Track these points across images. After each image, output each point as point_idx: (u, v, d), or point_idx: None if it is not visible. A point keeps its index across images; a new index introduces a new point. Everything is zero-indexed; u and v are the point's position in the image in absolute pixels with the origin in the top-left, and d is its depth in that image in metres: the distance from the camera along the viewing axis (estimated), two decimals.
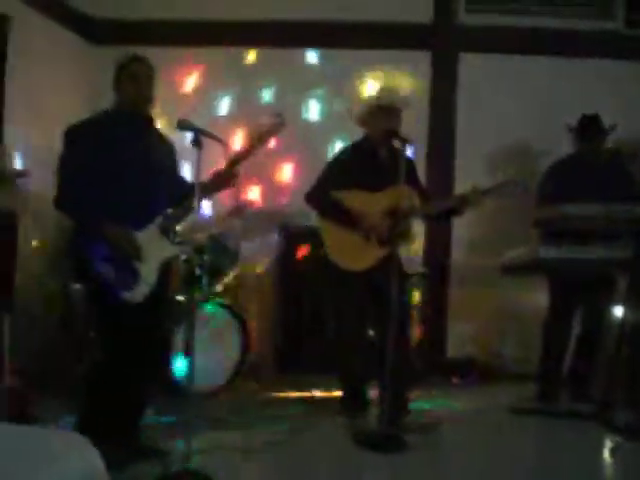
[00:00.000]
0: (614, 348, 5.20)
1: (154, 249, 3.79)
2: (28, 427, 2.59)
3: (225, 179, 4.03)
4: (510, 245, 5.17)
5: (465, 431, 4.86)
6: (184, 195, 3.82)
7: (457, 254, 6.57)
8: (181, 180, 4.11)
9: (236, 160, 4.01)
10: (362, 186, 4.56)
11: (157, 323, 3.93)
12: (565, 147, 5.46)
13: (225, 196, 5.64)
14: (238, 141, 6.39)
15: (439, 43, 6.63)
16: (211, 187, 4.00)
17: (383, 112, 4.58)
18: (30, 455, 2.06)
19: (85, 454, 2.17)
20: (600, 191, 4.99)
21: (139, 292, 3.71)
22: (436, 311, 6.42)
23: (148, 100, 3.91)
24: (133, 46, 5.32)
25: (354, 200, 4.54)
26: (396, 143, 4.51)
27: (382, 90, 4.70)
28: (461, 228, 6.31)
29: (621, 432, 4.48)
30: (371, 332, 4.85)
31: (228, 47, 6.67)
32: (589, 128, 5.32)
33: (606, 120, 5.33)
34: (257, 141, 4.02)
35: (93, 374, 3.89)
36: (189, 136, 3.69)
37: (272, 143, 4.14)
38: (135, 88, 3.86)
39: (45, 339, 5.40)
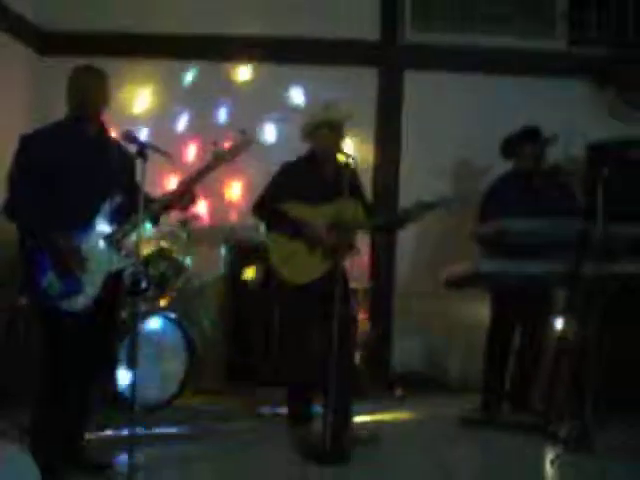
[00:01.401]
0: (554, 360, 5.32)
1: (99, 260, 3.79)
2: None
3: (184, 196, 4.04)
4: (454, 259, 5.25)
5: (409, 443, 4.92)
6: (134, 206, 3.80)
7: (402, 268, 6.65)
8: (135, 191, 4.06)
9: (197, 177, 4.02)
10: (307, 198, 4.61)
11: (101, 334, 3.90)
12: (507, 164, 5.56)
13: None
14: (190, 155, 6.40)
15: (385, 60, 6.72)
16: (170, 202, 4.01)
17: (327, 127, 4.64)
18: None
19: (21, 466, 2.16)
20: (539, 206, 5.11)
21: (80, 301, 3.70)
22: (381, 324, 6.47)
23: (98, 109, 3.92)
24: (84, 57, 5.32)
25: (299, 212, 4.59)
26: (340, 157, 4.57)
27: (325, 105, 4.75)
28: (406, 242, 6.40)
29: (562, 443, 4.57)
30: (315, 343, 4.88)
31: (177, 60, 6.70)
32: (528, 139, 5.42)
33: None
34: (222, 158, 4.04)
35: (38, 386, 3.86)
36: (133, 148, 3.73)
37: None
38: (87, 99, 3.87)
39: None
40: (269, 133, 6.65)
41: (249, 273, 6.05)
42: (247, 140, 4.13)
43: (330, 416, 4.22)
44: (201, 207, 6.49)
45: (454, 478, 4.23)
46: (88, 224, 3.80)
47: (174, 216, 5.87)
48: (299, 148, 4.86)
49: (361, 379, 5.84)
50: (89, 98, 3.89)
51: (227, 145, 4.12)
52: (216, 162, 4.04)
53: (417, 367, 6.54)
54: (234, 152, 4.09)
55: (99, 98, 3.92)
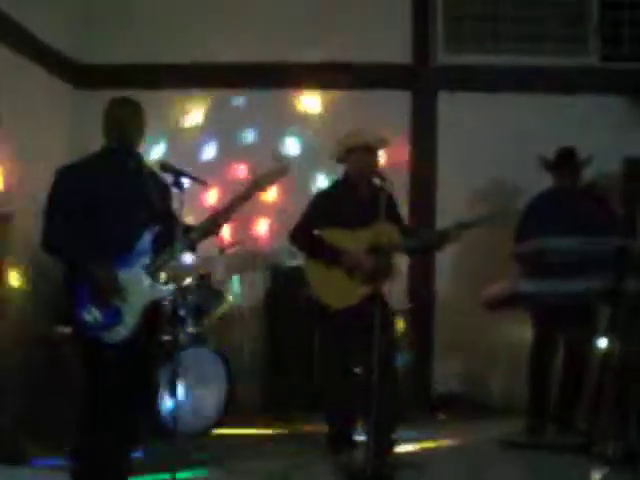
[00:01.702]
0: (598, 379, 5.24)
1: (138, 290, 3.81)
2: (15, 469, 2.60)
3: (219, 223, 4.06)
4: (493, 278, 5.22)
5: (453, 466, 4.87)
6: (171, 235, 3.83)
7: (441, 288, 6.62)
8: (172, 220, 4.04)
9: (234, 205, 4.03)
10: (344, 223, 4.61)
11: (141, 364, 3.92)
12: (543, 182, 5.53)
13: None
14: (223, 183, 6.46)
15: (418, 83, 6.75)
16: (207, 230, 4.03)
17: (362, 151, 4.65)
18: None
19: None
20: (578, 223, 5.07)
21: (120, 333, 3.73)
22: (422, 346, 6.44)
23: (135, 141, 3.98)
24: (120, 90, 5.42)
25: (336, 238, 4.59)
26: (376, 180, 4.58)
27: (359, 129, 4.76)
28: (445, 263, 6.37)
29: (608, 463, 4.50)
30: (357, 369, 4.86)
31: (212, 89, 6.78)
32: (565, 161, 5.41)
33: (583, 154, 5.43)
34: (259, 186, 4.06)
35: (81, 416, 3.89)
36: (170, 178, 3.78)
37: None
38: (124, 130, 3.93)
39: (32, 382, 5.38)
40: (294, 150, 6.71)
41: (288, 297, 6.04)
42: (283, 167, 4.15)
43: (372, 442, 4.20)
44: (238, 233, 6.52)
45: None
46: (126, 255, 3.82)
47: (212, 244, 5.95)
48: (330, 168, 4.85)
49: (402, 403, 5.79)
50: (126, 130, 3.94)
51: (264, 173, 4.13)
52: (254, 190, 4.05)
53: (458, 389, 6.48)
54: (271, 179, 4.10)
55: (135, 130, 3.98)
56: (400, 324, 5.99)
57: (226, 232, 6.45)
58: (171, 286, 4.03)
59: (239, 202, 4.03)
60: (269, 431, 5.63)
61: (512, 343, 6.09)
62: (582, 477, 4.48)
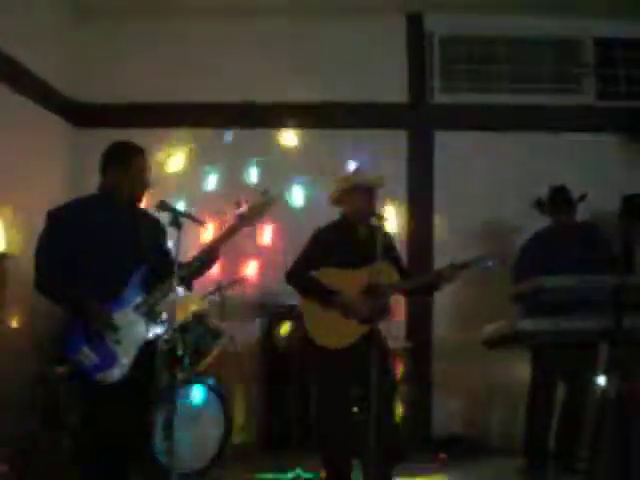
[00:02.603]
0: (598, 419, 5.19)
1: (133, 330, 3.80)
2: None
3: (210, 259, 4.05)
4: (491, 318, 5.19)
5: None
6: (167, 274, 3.83)
7: (439, 328, 6.60)
8: (166, 259, 4.07)
9: (222, 239, 4.04)
10: (341, 264, 4.59)
11: (137, 404, 3.89)
12: (540, 221, 5.55)
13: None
14: (222, 220, 6.44)
15: (414, 122, 6.80)
16: (198, 268, 4.01)
17: (360, 191, 4.65)
18: None
19: None
20: (575, 262, 5.07)
21: (115, 374, 3.71)
22: (420, 386, 6.40)
23: (146, 190, 4.01)
24: (116, 129, 5.46)
25: (333, 278, 4.56)
26: (374, 221, 4.58)
27: (357, 169, 4.77)
28: (443, 301, 6.36)
29: None
30: (355, 410, 4.81)
31: (210, 128, 6.82)
32: (557, 199, 5.44)
33: (579, 192, 5.46)
34: (245, 219, 4.07)
35: (76, 455, 3.86)
36: (168, 217, 3.78)
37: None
38: (139, 180, 3.96)
39: (28, 425, 5.34)
40: (298, 196, 6.72)
41: (285, 337, 6.02)
42: (268, 200, 4.15)
43: None
44: (233, 273, 6.52)
45: None
46: (118, 295, 3.82)
47: (208, 282, 5.95)
48: (329, 211, 4.87)
49: (401, 443, 5.74)
50: (142, 180, 3.97)
51: (249, 206, 4.13)
52: (239, 223, 4.06)
53: (458, 429, 6.43)
54: (256, 212, 4.10)
55: (148, 180, 4.00)
56: (398, 360, 5.96)
57: (221, 272, 6.46)
58: (166, 324, 4.01)
59: (226, 237, 4.04)
60: (267, 472, 5.56)
61: (510, 382, 6.07)
62: None
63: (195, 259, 4.00)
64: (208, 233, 6.28)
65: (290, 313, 5.90)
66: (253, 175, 6.76)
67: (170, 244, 4.13)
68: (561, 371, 5.32)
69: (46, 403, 5.41)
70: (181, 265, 3.89)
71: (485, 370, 6.23)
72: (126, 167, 3.93)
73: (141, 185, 3.97)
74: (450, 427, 6.43)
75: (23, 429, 5.22)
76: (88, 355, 3.68)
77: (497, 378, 6.29)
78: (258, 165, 6.75)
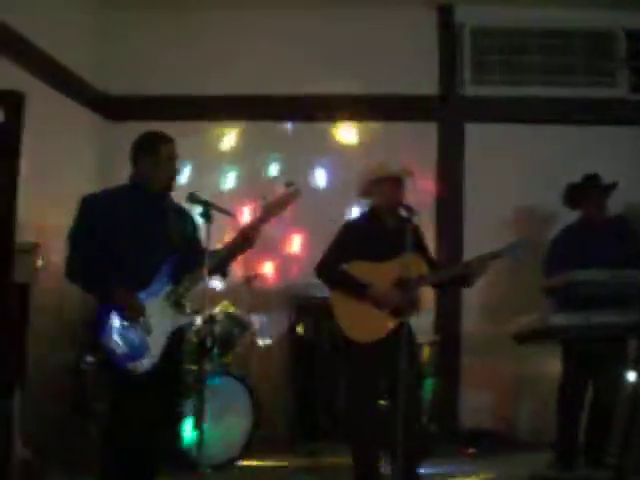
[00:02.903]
0: (629, 413, 5.14)
1: (162, 319, 3.82)
2: None
3: (238, 247, 4.05)
4: (521, 311, 5.15)
5: None
6: (198, 264, 3.84)
7: (468, 321, 6.57)
8: (197, 249, 4.06)
9: (248, 230, 4.03)
10: (370, 256, 4.58)
11: (166, 394, 3.92)
12: (572, 213, 5.49)
13: (237, 267, 5.74)
14: (247, 213, 6.47)
15: (445, 114, 6.76)
16: (226, 256, 4.03)
17: (387, 182, 4.63)
18: None
19: None
20: (607, 255, 5.02)
21: (145, 363, 3.73)
22: (449, 380, 6.38)
23: (174, 180, 4.02)
24: (146, 122, 5.48)
25: (363, 271, 4.55)
26: (403, 212, 4.56)
27: (385, 160, 4.75)
28: (472, 295, 6.31)
29: None
30: (383, 402, 4.81)
31: (242, 120, 6.85)
32: (589, 186, 5.38)
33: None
34: (271, 211, 4.07)
35: (105, 446, 3.88)
36: (198, 209, 3.80)
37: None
38: (167, 169, 3.96)
39: (57, 411, 5.40)
40: (322, 184, 6.74)
41: (313, 330, 6.01)
42: (294, 192, 4.14)
43: (399, 475, 4.15)
44: (264, 265, 6.53)
45: None
46: (148, 284, 3.84)
47: (238, 274, 5.97)
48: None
49: (430, 438, 5.73)
50: (170, 170, 3.98)
51: (274, 198, 4.13)
52: (266, 215, 4.06)
53: (486, 423, 6.39)
54: (282, 204, 4.10)
55: (176, 169, 4.01)
56: (427, 353, 5.94)
57: (253, 265, 6.49)
58: (195, 314, 4.03)
59: (253, 228, 4.03)
60: (294, 463, 5.57)
61: (540, 376, 6.03)
62: None
63: (223, 247, 4.01)
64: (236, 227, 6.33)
65: (319, 305, 5.89)
66: (278, 169, 6.76)
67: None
68: (592, 365, 5.27)
69: (75, 390, 5.47)
70: (211, 254, 3.90)
71: (514, 364, 6.20)
72: (155, 156, 3.95)
73: (171, 173, 3.98)
74: (479, 421, 6.39)
75: (51, 415, 5.28)
76: (119, 344, 3.71)
77: (526, 372, 6.25)
78: (284, 159, 6.75)
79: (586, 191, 5.40)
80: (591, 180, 5.41)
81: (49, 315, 5.55)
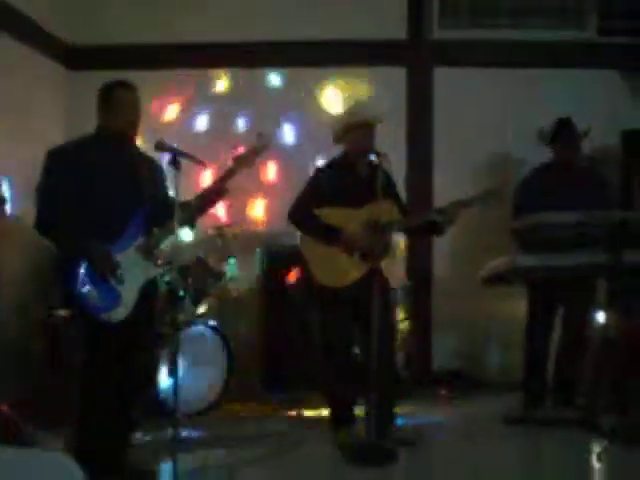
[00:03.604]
0: (597, 353, 5.24)
1: (134, 270, 3.81)
2: (14, 449, 2.60)
3: (210, 198, 4.06)
4: (491, 255, 5.21)
5: (452, 442, 4.90)
6: (168, 215, 3.81)
7: (439, 266, 6.62)
8: (166, 200, 4.07)
9: (220, 181, 4.03)
10: (342, 202, 4.59)
11: (139, 344, 3.92)
12: (544, 154, 5.50)
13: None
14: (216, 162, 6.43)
15: (413, 58, 6.70)
16: (198, 207, 4.02)
17: (358, 128, 4.61)
18: (16, 476, 2.08)
19: (70, 474, 2.19)
20: (575, 198, 5.05)
21: (119, 312, 3.74)
22: (420, 324, 6.45)
23: (134, 126, 3.97)
24: (110, 71, 5.40)
25: (334, 216, 4.56)
26: (374, 158, 4.56)
27: (355, 107, 4.73)
28: (442, 240, 6.32)
29: (607, 436, 4.51)
30: (356, 347, 4.86)
31: (200, 69, 6.74)
32: (563, 131, 5.38)
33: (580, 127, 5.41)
34: (241, 162, 4.05)
35: (80, 398, 3.89)
36: (167, 157, 3.76)
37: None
38: (122, 115, 3.91)
39: (30, 366, 5.38)
40: (290, 135, 6.68)
41: (285, 277, 6.01)
42: (264, 143, 4.14)
43: (373, 417, 4.21)
44: (234, 214, 6.51)
45: (500, 477, 4.19)
46: (119, 235, 3.82)
47: (209, 224, 5.94)
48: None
49: (402, 379, 5.82)
50: (122, 114, 3.92)
51: (245, 149, 4.14)
52: (236, 166, 4.05)
53: (456, 365, 6.50)
54: (252, 155, 4.10)
55: (132, 114, 3.95)
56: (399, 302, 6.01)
57: (222, 213, 6.47)
58: (167, 265, 4.03)
59: (224, 180, 4.02)
60: (268, 412, 5.63)
61: (509, 319, 6.08)
62: (581, 451, 4.49)
63: (195, 199, 4.00)
64: (206, 174, 6.29)
65: (291, 253, 5.89)
66: (244, 118, 6.68)
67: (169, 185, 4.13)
68: (559, 306, 5.33)
69: (48, 348, 5.45)
70: (182, 205, 3.88)
71: (484, 306, 6.27)
72: (111, 102, 3.92)
73: (128, 118, 3.93)
74: (448, 364, 6.49)
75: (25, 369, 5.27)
76: (93, 295, 3.70)
77: (496, 314, 6.32)
78: (249, 107, 6.68)
79: (558, 136, 5.41)
80: (563, 125, 5.41)
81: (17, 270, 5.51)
